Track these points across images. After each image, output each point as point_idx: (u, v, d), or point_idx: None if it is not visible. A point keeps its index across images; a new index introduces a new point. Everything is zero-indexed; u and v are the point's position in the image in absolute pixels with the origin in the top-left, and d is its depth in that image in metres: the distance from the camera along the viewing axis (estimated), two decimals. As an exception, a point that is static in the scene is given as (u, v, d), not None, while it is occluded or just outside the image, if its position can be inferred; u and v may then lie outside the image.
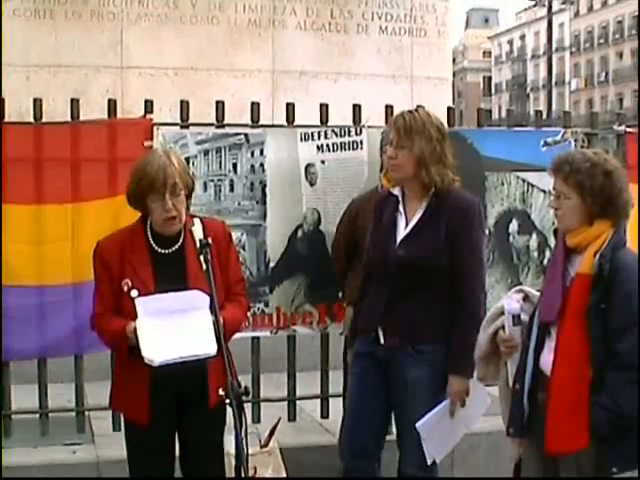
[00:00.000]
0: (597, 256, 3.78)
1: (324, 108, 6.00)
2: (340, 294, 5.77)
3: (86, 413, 6.01)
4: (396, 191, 4.55)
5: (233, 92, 7.81)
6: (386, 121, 6.01)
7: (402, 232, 4.47)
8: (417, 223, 4.45)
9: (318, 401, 6.17)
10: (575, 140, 6.28)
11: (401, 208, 4.51)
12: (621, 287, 3.73)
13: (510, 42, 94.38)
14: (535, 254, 6.29)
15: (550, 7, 46.93)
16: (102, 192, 5.61)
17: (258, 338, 5.99)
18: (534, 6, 55.38)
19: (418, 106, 4.72)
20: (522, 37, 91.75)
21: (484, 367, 4.29)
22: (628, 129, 6.50)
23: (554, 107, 54.59)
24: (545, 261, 6.24)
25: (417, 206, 4.47)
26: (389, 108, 6.06)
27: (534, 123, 6.51)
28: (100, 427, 5.95)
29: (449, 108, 6.24)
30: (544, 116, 6.71)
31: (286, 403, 6.13)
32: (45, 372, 5.83)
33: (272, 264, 5.86)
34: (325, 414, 6.08)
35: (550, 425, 3.80)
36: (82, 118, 5.71)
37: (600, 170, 3.85)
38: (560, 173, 3.92)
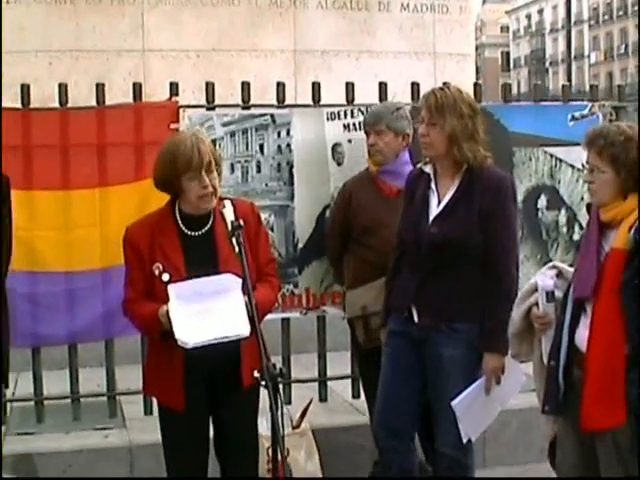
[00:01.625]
0: (632, 231, 3.75)
1: (350, 87, 5.96)
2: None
3: (117, 397, 6.03)
4: (428, 169, 4.52)
5: (255, 73, 7.77)
6: (411, 98, 5.99)
7: (434, 210, 4.44)
8: (450, 201, 4.42)
9: (349, 381, 6.16)
10: (603, 114, 6.22)
11: (433, 186, 4.48)
12: (656, 262, 3.69)
13: (528, 16, 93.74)
14: (564, 229, 6.25)
15: (568, -20, 46.64)
16: (129, 176, 5.60)
17: (288, 319, 5.98)
18: (552, -21, 54.90)
19: (444, 83, 4.68)
20: (540, 11, 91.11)
21: (518, 344, 4.26)
22: (656, 101, 6.44)
23: (574, 81, 54.31)
24: (575, 236, 6.21)
25: (449, 184, 4.45)
26: (415, 85, 6.03)
27: (561, 97, 6.45)
28: (131, 411, 5.97)
29: (475, 84, 6.20)
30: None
31: (317, 384, 6.12)
32: (76, 357, 5.84)
33: (300, 245, 5.85)
34: (356, 394, 6.07)
35: (586, 402, 3.77)
36: (106, 103, 5.69)
37: (635, 143, 3.80)
38: (594, 147, 3.87)
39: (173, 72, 7.61)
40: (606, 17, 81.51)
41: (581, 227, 6.22)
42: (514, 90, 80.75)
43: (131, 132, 5.59)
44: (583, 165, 4.03)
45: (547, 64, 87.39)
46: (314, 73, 8.09)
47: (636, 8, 75.84)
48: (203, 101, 5.80)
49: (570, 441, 4.00)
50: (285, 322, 5.99)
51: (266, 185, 5.82)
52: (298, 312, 5.92)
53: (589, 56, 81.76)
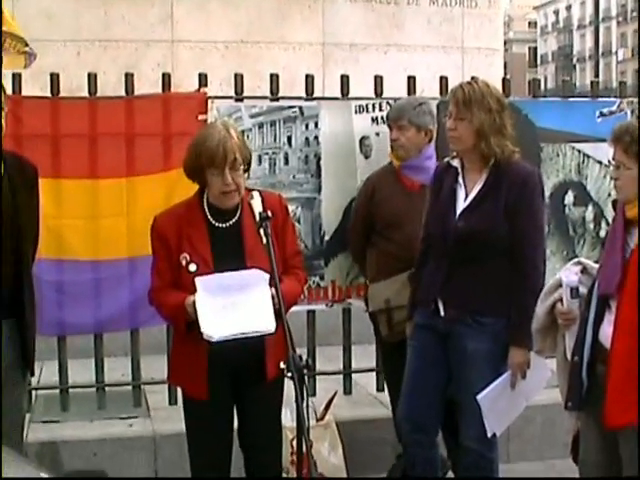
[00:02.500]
0: (657, 228, 3.74)
1: (378, 80, 5.96)
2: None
3: (142, 387, 6.06)
4: (455, 162, 4.53)
5: (283, 65, 7.78)
6: (440, 92, 5.99)
7: (462, 204, 4.45)
8: (477, 195, 4.42)
9: (373, 374, 6.17)
10: (631, 110, 6.20)
11: (460, 180, 4.49)
12: (682, 259, 3.68)
13: (556, 12, 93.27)
14: (591, 226, 6.24)
15: (597, -24, 46.38)
16: (156, 166, 5.62)
17: (314, 311, 5.99)
18: (581, -25, 54.66)
19: (472, 77, 4.68)
20: (568, 7, 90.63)
21: (542, 340, 4.26)
22: (685, 99, 6.40)
23: (601, 78, 54.06)
24: (601, 233, 6.19)
25: (477, 178, 4.45)
26: (443, 79, 6.03)
27: (589, 93, 6.43)
28: (156, 401, 5.99)
29: (504, 79, 6.18)
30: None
31: (341, 376, 6.13)
32: (101, 346, 5.87)
33: (327, 237, 5.86)
34: (380, 387, 6.07)
35: (610, 398, 3.76)
36: (134, 93, 5.72)
37: (662, 140, 3.79)
38: (620, 143, 3.86)
39: (201, 63, 7.63)
40: (634, 14, 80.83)
41: (608, 224, 6.20)
42: (541, 86, 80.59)
43: (159, 122, 5.61)
44: (609, 161, 4.01)
45: (574, 60, 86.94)
46: (342, 66, 8.08)
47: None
48: (231, 93, 5.81)
49: (593, 437, 4.00)
50: (310, 314, 6.01)
51: (293, 177, 5.83)
52: (324, 304, 5.93)
53: (617, 53, 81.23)
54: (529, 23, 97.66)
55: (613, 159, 3.92)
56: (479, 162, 4.44)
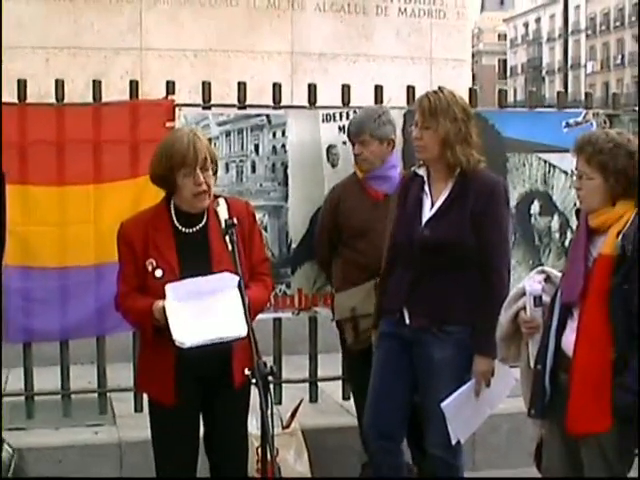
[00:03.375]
0: (620, 237, 3.78)
1: (346, 89, 5.99)
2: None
3: (108, 394, 6.04)
4: (421, 172, 4.56)
5: (252, 74, 7.78)
6: (407, 101, 6.02)
7: (428, 212, 4.47)
8: (443, 203, 4.45)
9: (339, 383, 6.18)
10: (597, 121, 6.26)
11: (426, 189, 4.51)
12: (645, 268, 3.73)
13: (526, 25, 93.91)
14: (557, 235, 6.29)
15: (567, -11, 46.72)
16: (124, 173, 5.62)
17: (280, 319, 6.00)
18: (550, -12, 55.07)
19: (438, 87, 4.71)
20: (537, 20, 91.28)
21: (505, 348, 4.30)
22: (650, 110, 6.47)
23: (570, 90, 54.40)
24: (567, 242, 6.23)
25: (442, 187, 4.48)
26: (410, 89, 6.06)
27: (556, 104, 6.49)
28: (121, 408, 5.98)
29: (471, 89, 6.22)
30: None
31: (307, 384, 6.14)
32: (67, 354, 5.86)
33: (294, 245, 5.87)
34: (346, 395, 6.08)
35: (572, 406, 3.80)
36: (102, 100, 5.71)
37: (623, 151, 3.84)
38: (583, 153, 3.90)
39: (170, 72, 7.62)
40: (603, 27, 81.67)
41: (573, 233, 6.26)
42: (510, 98, 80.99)
43: (127, 129, 5.60)
44: (572, 172, 4.06)
45: (544, 72, 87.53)
46: (311, 75, 8.11)
47: (634, 19, 76.15)
48: (200, 101, 5.82)
49: (556, 445, 4.04)
50: (277, 322, 6.02)
51: (260, 185, 5.84)
52: (290, 312, 5.94)
53: (585, 66, 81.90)
54: (499, 35, 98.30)
55: (576, 169, 3.97)
56: (445, 171, 4.47)
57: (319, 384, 6.20)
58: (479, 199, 4.41)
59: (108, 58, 8.12)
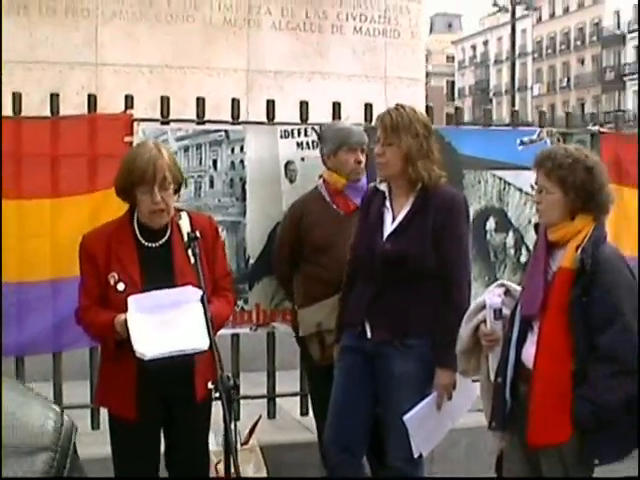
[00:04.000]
0: (579, 251, 3.84)
1: (304, 105, 6.02)
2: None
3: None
4: (383, 187, 4.59)
5: (208, 90, 7.76)
6: (365, 119, 6.06)
7: (389, 227, 4.51)
8: (404, 218, 4.48)
9: (297, 399, 6.17)
10: (551, 139, 6.34)
11: (388, 203, 4.55)
12: (603, 281, 3.79)
13: (473, 47, 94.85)
14: (512, 251, 6.34)
15: (514, 13, 47.34)
16: (81, 188, 5.58)
17: (238, 335, 5.99)
18: (498, 12, 55.70)
19: (398, 104, 4.74)
20: (485, 42, 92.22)
21: (466, 361, 4.33)
22: (602, 129, 6.59)
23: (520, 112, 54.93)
24: (522, 258, 6.30)
25: (404, 201, 4.51)
26: (368, 106, 6.10)
27: (510, 123, 6.57)
28: (79, 426, 5.89)
29: (427, 107, 6.28)
30: (507, 120, 6.78)
31: (265, 401, 6.13)
32: (23, 370, 5.79)
33: (252, 261, 5.86)
34: (304, 411, 6.08)
35: (533, 418, 3.85)
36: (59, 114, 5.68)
37: (582, 166, 3.91)
38: (543, 168, 3.97)
39: (126, 87, 7.58)
40: (549, 51, 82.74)
41: (528, 249, 6.31)
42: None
43: (85, 143, 5.56)
44: (532, 186, 4.12)
45: (491, 94, 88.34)
46: (267, 92, 8.11)
47: (579, 43, 77.29)
48: (156, 117, 5.81)
49: (516, 456, 4.08)
50: (235, 338, 6.00)
51: (219, 201, 5.84)
52: (248, 328, 5.92)
53: (532, 88, 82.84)
54: (447, 57, 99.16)
55: (536, 183, 4.03)
56: (406, 186, 4.50)
57: (277, 400, 6.19)
58: (439, 214, 4.45)
59: (63, 73, 8.07)
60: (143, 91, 7.65)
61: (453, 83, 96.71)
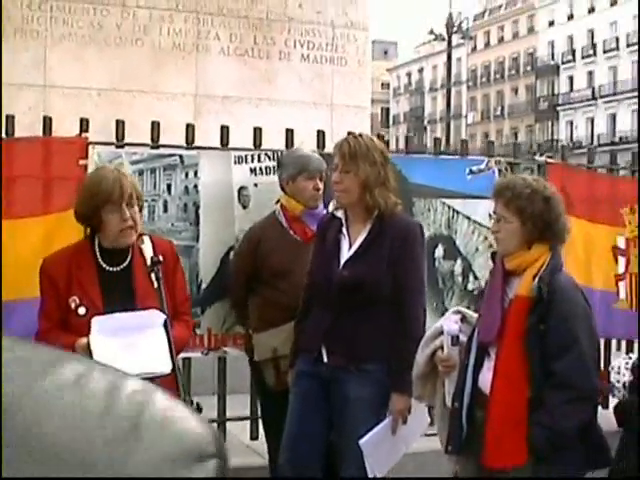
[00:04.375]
0: (536, 279, 3.93)
1: (257, 132, 6.06)
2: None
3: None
4: (339, 214, 4.64)
5: (156, 114, 7.76)
6: (317, 146, 6.12)
7: (346, 253, 4.56)
8: (361, 245, 4.54)
9: (247, 423, 6.18)
10: (499, 169, 6.46)
11: (344, 230, 4.60)
12: (560, 309, 3.89)
13: (408, 75, 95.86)
14: (459, 279, 6.43)
15: (450, 41, 47.92)
16: (35, 210, 5.54)
17: (189, 359, 5.99)
18: (434, 40, 56.37)
19: (349, 132, 4.81)
20: (420, 70, 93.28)
21: (421, 386, 4.40)
22: (549, 160, 6.73)
23: (452, 140, 55.54)
24: (469, 286, 6.40)
25: (360, 228, 4.57)
26: (320, 133, 6.17)
27: (459, 152, 6.68)
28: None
29: (378, 134, 6.35)
30: (442, 147, 6.92)
31: (215, 425, 6.12)
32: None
33: (204, 285, 5.87)
34: (254, 436, 6.09)
35: (489, 442, 3.92)
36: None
37: (540, 196, 4.01)
38: (501, 198, 4.06)
39: (75, 109, 7.58)
40: (484, 79, 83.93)
41: (475, 277, 6.42)
42: (392, 145, 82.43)
43: (39, 166, 5.54)
44: (490, 215, 4.21)
45: (425, 122, 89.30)
46: (215, 117, 8.16)
47: (513, 72, 78.52)
48: (103, 140, 5.81)
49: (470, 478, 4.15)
50: (186, 362, 6.00)
51: (172, 225, 5.84)
52: (200, 352, 5.92)
53: (466, 116, 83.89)
54: (382, 84, 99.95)
55: (494, 212, 4.12)
56: (363, 214, 4.56)
57: (227, 425, 6.19)
58: (396, 241, 4.51)
59: (11, 93, 8.02)
60: (91, 114, 7.59)
61: (388, 110, 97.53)
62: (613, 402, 5.38)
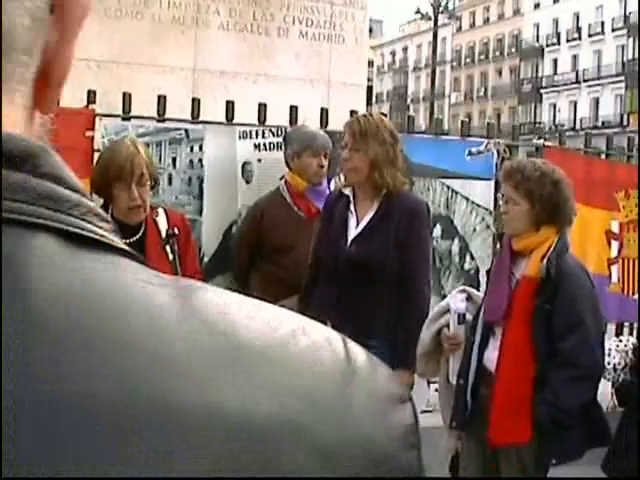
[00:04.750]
0: (544, 260, 4.01)
1: (262, 108, 6.11)
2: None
3: None
4: (347, 191, 4.70)
5: (154, 87, 7.81)
6: (321, 124, 6.18)
7: (353, 231, 4.62)
8: (368, 223, 4.60)
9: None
10: (497, 151, 6.53)
11: (352, 208, 4.66)
12: (567, 290, 3.97)
13: (392, 53, 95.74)
14: (456, 259, 6.51)
15: (436, 20, 47.99)
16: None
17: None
18: (420, 19, 56.36)
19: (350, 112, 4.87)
20: (404, 49, 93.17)
21: (425, 363, 4.47)
22: (547, 143, 6.82)
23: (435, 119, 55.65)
24: (465, 265, 6.49)
25: (368, 206, 4.63)
26: (324, 111, 6.22)
27: (459, 132, 6.74)
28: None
29: (382, 114, 6.41)
30: (424, 127, 6.97)
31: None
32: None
33: (206, 259, 5.92)
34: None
35: (494, 419, 4.01)
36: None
37: (549, 179, 4.08)
38: (511, 180, 4.13)
39: (73, 80, 7.54)
40: (468, 60, 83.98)
41: (472, 257, 6.50)
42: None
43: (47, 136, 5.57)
44: (501, 195, 4.27)
45: (409, 101, 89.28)
46: (211, 92, 8.19)
47: (497, 53, 78.60)
48: (102, 112, 5.85)
49: (473, 456, 4.23)
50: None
51: (176, 198, 5.89)
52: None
53: (450, 96, 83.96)
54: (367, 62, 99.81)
55: (502, 195, 4.19)
56: (371, 192, 4.62)
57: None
58: (403, 219, 4.58)
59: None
60: (90, 85, 7.64)
61: (371, 88, 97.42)
62: (603, 384, 5.47)
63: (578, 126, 63.53)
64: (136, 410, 0.51)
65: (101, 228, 0.58)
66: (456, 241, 6.53)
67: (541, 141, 6.84)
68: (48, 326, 0.51)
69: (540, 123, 69.31)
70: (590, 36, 70.74)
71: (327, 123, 6.15)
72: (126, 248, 0.59)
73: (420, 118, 74.33)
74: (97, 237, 0.57)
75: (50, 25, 0.60)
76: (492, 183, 6.34)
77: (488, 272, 4.54)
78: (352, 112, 6.08)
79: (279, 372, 0.57)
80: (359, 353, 0.63)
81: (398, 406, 0.62)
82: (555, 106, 73.27)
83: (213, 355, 0.55)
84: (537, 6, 76.03)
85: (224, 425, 0.53)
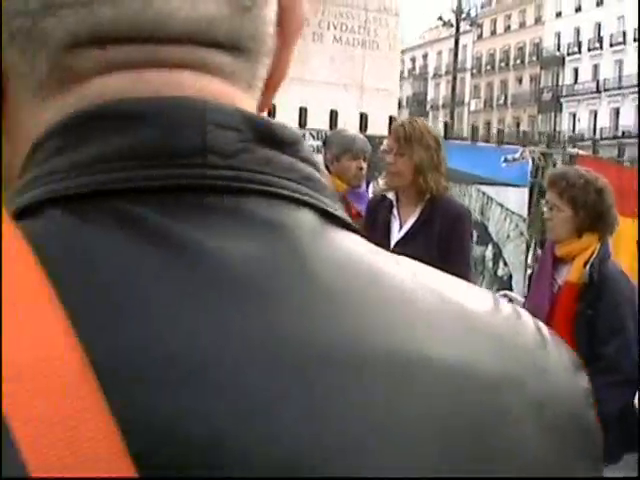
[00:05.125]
0: (587, 266, 4.09)
1: (303, 112, 6.21)
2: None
3: None
4: (390, 195, 4.78)
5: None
6: (360, 129, 6.28)
7: (396, 235, 4.70)
8: (412, 227, 4.67)
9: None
10: (532, 159, 6.62)
11: (395, 212, 4.74)
12: (610, 295, 4.04)
13: (412, 60, 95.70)
14: (490, 264, 6.59)
15: (458, 28, 48.01)
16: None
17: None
18: (443, 26, 56.41)
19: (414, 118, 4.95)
20: (424, 56, 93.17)
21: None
22: (580, 152, 6.89)
23: (456, 126, 55.69)
24: (499, 271, 6.57)
25: (412, 210, 4.70)
26: (363, 116, 6.32)
27: (495, 140, 6.83)
28: None
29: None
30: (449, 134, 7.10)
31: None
32: None
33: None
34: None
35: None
36: None
37: (593, 187, 4.16)
38: (556, 187, 4.21)
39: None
40: (488, 67, 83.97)
41: (505, 263, 6.58)
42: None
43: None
44: (546, 201, 4.35)
45: (428, 107, 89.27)
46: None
47: (518, 62, 78.58)
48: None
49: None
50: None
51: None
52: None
53: (469, 103, 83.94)
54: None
55: (546, 202, 4.27)
56: (415, 196, 4.69)
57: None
58: (446, 224, 4.65)
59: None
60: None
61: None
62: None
63: (598, 136, 63.43)
64: (404, 361, 0.60)
65: (340, 209, 0.67)
66: (490, 247, 6.61)
67: (575, 150, 6.91)
68: (327, 286, 0.60)
69: (560, 132, 69.24)
70: (612, 46, 70.67)
71: (366, 127, 6.24)
72: (356, 226, 0.68)
73: (439, 124, 74.42)
74: (342, 216, 0.67)
75: (277, 34, 0.69)
76: (526, 190, 6.43)
77: (529, 278, 4.62)
78: (391, 118, 6.16)
79: (493, 337, 0.65)
80: (541, 326, 0.71)
81: (579, 371, 0.70)
82: (575, 115, 73.20)
83: (445, 316, 0.64)
84: (559, 15, 75.98)
85: (463, 375, 0.61)
